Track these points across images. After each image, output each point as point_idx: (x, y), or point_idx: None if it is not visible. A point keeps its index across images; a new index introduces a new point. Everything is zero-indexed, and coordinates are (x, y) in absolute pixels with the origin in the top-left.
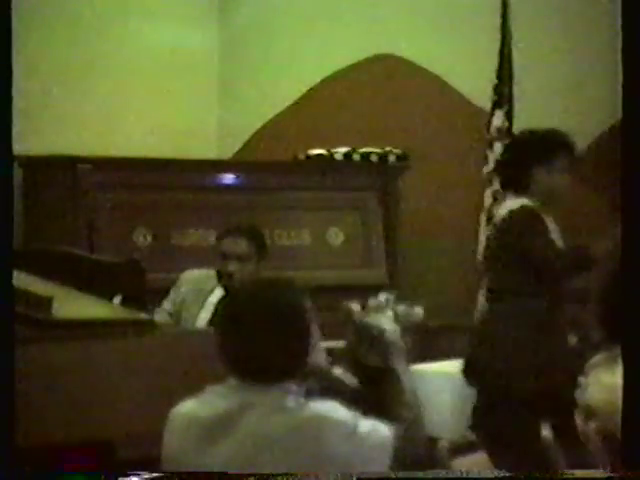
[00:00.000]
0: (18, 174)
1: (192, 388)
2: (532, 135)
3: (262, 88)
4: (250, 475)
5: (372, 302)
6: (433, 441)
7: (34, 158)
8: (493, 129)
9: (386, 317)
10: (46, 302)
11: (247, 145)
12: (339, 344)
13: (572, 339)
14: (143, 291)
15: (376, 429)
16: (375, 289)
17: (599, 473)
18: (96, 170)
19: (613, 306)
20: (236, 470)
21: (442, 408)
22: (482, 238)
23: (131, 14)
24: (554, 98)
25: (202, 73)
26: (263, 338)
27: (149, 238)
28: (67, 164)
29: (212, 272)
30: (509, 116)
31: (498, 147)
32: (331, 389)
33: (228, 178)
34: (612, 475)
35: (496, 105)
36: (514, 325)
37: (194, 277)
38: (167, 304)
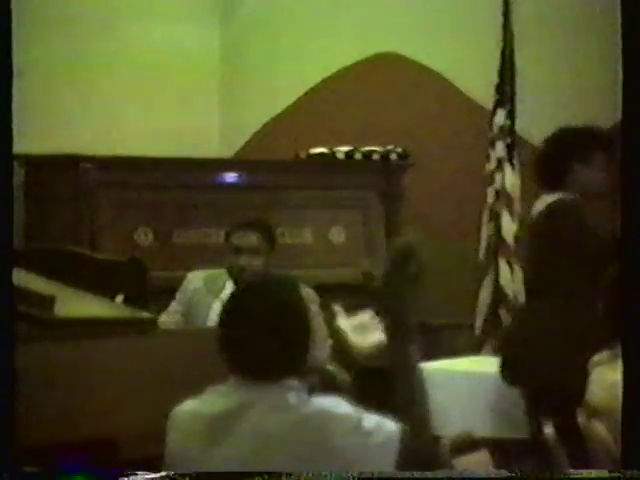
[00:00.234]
0: (20, 173)
1: (194, 387)
2: (572, 132)
3: (264, 87)
4: (256, 474)
5: (356, 322)
6: (435, 439)
7: (36, 157)
8: (495, 128)
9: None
10: (48, 301)
11: (249, 144)
12: None
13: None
14: (145, 290)
15: (381, 425)
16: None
17: (599, 473)
18: (98, 169)
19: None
20: (240, 469)
21: (443, 406)
22: (484, 237)
23: (132, 14)
24: (555, 97)
25: (204, 72)
26: (263, 335)
27: (151, 237)
28: (69, 163)
29: (218, 271)
30: (511, 115)
31: (500, 146)
32: (329, 385)
33: (230, 177)
34: (612, 475)
35: (498, 104)
36: (555, 323)
37: (201, 277)
38: (176, 306)
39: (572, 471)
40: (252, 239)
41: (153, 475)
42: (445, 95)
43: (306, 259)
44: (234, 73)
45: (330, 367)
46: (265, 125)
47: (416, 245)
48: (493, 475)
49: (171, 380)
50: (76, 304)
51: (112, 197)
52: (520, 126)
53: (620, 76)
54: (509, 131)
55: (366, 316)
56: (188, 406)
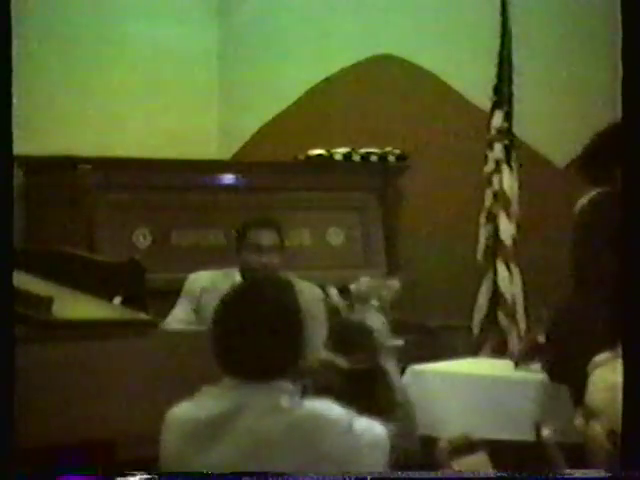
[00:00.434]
0: (19, 174)
1: (192, 388)
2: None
3: (262, 88)
4: (249, 475)
5: (354, 290)
6: (433, 441)
7: (35, 159)
8: (493, 129)
9: (371, 307)
10: (46, 302)
11: (247, 145)
12: None
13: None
14: (143, 291)
15: (371, 427)
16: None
17: (599, 473)
18: (96, 170)
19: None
20: (233, 471)
21: (442, 408)
22: (482, 239)
23: (131, 14)
24: (554, 98)
25: (202, 73)
26: (256, 336)
27: (149, 238)
28: (67, 164)
29: (225, 271)
30: (509, 116)
31: (498, 147)
32: (327, 373)
33: (228, 178)
34: (612, 475)
35: (496, 105)
36: (602, 314)
37: (207, 277)
38: (181, 313)
39: (570, 472)
40: (272, 236)
41: (151, 476)
42: (443, 97)
43: (304, 260)
44: (233, 75)
45: (327, 353)
46: (263, 127)
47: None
48: (491, 476)
49: (169, 381)
50: (74, 306)
51: (110, 199)
52: (518, 128)
53: (620, 76)
54: (507, 133)
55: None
56: (182, 408)
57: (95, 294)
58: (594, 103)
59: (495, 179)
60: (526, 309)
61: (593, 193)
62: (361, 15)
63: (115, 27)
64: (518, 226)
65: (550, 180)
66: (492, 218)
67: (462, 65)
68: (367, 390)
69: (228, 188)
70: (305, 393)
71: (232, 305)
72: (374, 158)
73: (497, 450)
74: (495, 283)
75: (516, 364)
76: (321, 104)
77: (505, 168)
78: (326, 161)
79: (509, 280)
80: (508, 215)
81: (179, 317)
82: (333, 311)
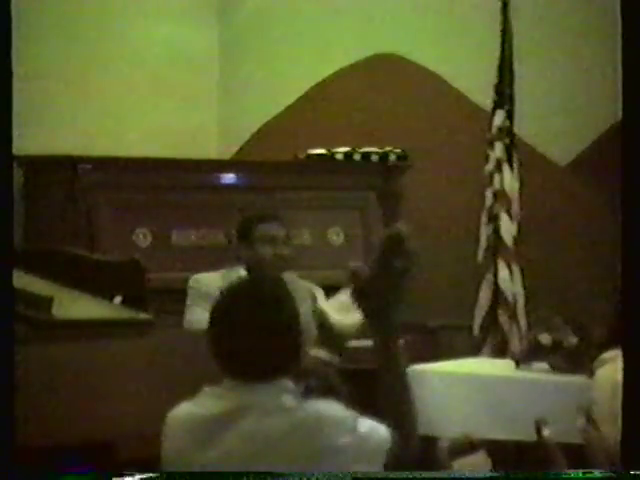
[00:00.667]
0: (18, 174)
1: (193, 388)
2: None
3: (262, 88)
4: (251, 475)
5: (336, 303)
6: (433, 441)
7: (34, 158)
8: (494, 128)
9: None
10: (46, 302)
11: (247, 145)
12: None
13: (573, 339)
14: (143, 291)
15: (375, 429)
16: None
17: (599, 473)
18: (96, 170)
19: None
20: (235, 471)
21: (443, 408)
22: (483, 238)
23: (131, 14)
24: (555, 98)
25: (202, 73)
26: (254, 336)
27: (149, 238)
28: (67, 164)
29: (235, 269)
30: (510, 115)
31: (499, 146)
32: (322, 370)
33: (228, 178)
34: (612, 475)
35: (497, 104)
36: None
37: (217, 277)
38: (201, 313)
39: (571, 472)
40: (280, 228)
41: (150, 475)
42: (444, 96)
43: (304, 260)
44: (233, 73)
45: (318, 350)
46: (264, 126)
47: (405, 236)
48: (492, 476)
49: (169, 381)
50: (74, 305)
51: (110, 198)
52: (519, 127)
53: (620, 76)
54: (508, 132)
55: (344, 296)
56: (183, 410)
57: (95, 294)
58: (595, 103)
59: (496, 178)
60: (526, 309)
61: None
62: (362, 14)
63: (115, 27)
64: (519, 225)
65: (551, 179)
66: (493, 217)
67: (463, 64)
68: (367, 388)
69: (228, 187)
70: (308, 393)
71: (229, 305)
72: (375, 157)
73: (497, 450)
74: (496, 283)
75: (517, 364)
76: (322, 103)
77: (506, 167)
78: (327, 160)
79: (510, 280)
80: (509, 214)
81: (199, 314)
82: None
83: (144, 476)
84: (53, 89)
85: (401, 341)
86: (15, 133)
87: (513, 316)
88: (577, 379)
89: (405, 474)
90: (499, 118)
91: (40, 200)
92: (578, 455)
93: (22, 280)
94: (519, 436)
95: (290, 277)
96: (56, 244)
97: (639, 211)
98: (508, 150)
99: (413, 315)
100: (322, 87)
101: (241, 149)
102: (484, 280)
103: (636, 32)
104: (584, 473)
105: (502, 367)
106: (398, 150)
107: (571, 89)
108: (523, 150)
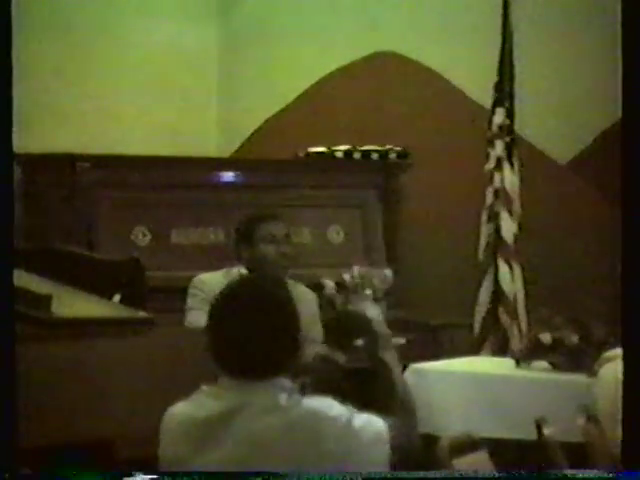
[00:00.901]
0: (17, 172)
1: (192, 387)
2: None
3: (262, 86)
4: (249, 475)
5: (348, 280)
6: (434, 439)
7: (33, 156)
8: (494, 127)
9: (366, 298)
10: (45, 301)
11: (247, 143)
12: None
13: (574, 338)
14: (143, 290)
15: (371, 423)
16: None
17: (599, 473)
18: (95, 168)
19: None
20: (232, 470)
21: (444, 406)
22: (483, 236)
23: (130, 13)
24: (555, 96)
25: (202, 71)
26: (250, 335)
27: (149, 236)
28: (66, 162)
29: (237, 268)
30: (510, 114)
31: (499, 145)
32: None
33: (228, 176)
34: (612, 475)
35: (497, 103)
36: None
37: (220, 277)
38: (203, 317)
39: (572, 471)
40: (282, 227)
41: (150, 475)
42: (444, 94)
43: (304, 258)
44: (232, 72)
45: (323, 348)
46: (264, 124)
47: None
48: (492, 476)
49: (168, 379)
50: (73, 304)
51: (109, 196)
52: (519, 125)
53: (620, 75)
54: (508, 130)
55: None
56: (180, 409)
57: (94, 292)
58: (595, 102)
59: (496, 177)
60: (527, 307)
61: None
62: (362, 13)
63: (115, 26)
64: (519, 224)
65: (551, 178)
66: (493, 216)
67: (463, 62)
68: (367, 386)
69: (228, 186)
70: (304, 391)
71: (227, 304)
72: (375, 156)
73: (498, 449)
74: (496, 281)
75: (517, 362)
76: (322, 101)
77: (506, 166)
78: (327, 159)
79: (510, 278)
80: (509, 213)
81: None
82: (329, 303)
83: (146, 476)
84: (53, 88)
85: (402, 340)
86: (15, 131)
87: (514, 315)
88: (578, 378)
89: (406, 474)
90: (499, 116)
91: (39, 198)
92: (579, 454)
93: (22, 279)
94: (520, 435)
95: (292, 283)
96: (55, 242)
97: (639, 210)
98: (508, 148)
99: (414, 314)
100: (322, 85)
101: (241, 147)
102: (484, 278)
103: (636, 32)
104: (584, 473)
105: (502, 365)
106: (398, 148)
107: (571, 88)
108: (523, 148)
